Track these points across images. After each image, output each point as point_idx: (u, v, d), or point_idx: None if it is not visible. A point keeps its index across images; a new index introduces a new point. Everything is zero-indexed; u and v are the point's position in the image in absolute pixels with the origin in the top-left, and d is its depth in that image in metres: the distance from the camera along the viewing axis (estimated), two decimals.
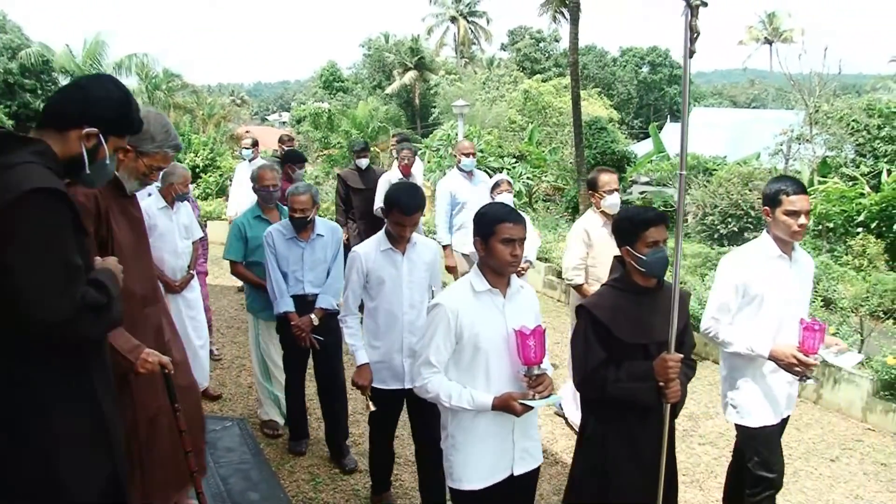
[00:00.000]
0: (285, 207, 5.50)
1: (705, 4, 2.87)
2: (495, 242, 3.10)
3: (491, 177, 7.49)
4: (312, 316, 5.09)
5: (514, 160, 18.09)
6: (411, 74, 50.26)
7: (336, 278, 5.27)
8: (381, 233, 4.24)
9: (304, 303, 5.15)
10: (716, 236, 13.50)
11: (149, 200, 5.38)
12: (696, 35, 2.92)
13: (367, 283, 4.23)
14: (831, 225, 12.01)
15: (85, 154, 2.38)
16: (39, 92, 30.72)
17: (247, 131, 31.81)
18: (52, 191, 2.13)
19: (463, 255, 7.41)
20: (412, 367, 3.98)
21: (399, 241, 4.15)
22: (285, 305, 5.09)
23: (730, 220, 13.41)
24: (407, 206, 3.98)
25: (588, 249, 5.53)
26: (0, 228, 2.06)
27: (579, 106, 17.81)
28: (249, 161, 9.42)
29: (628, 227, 3.31)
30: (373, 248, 4.21)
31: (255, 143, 9.82)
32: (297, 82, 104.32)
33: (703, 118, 39.44)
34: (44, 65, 29.15)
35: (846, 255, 10.95)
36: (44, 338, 2.14)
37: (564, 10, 18.89)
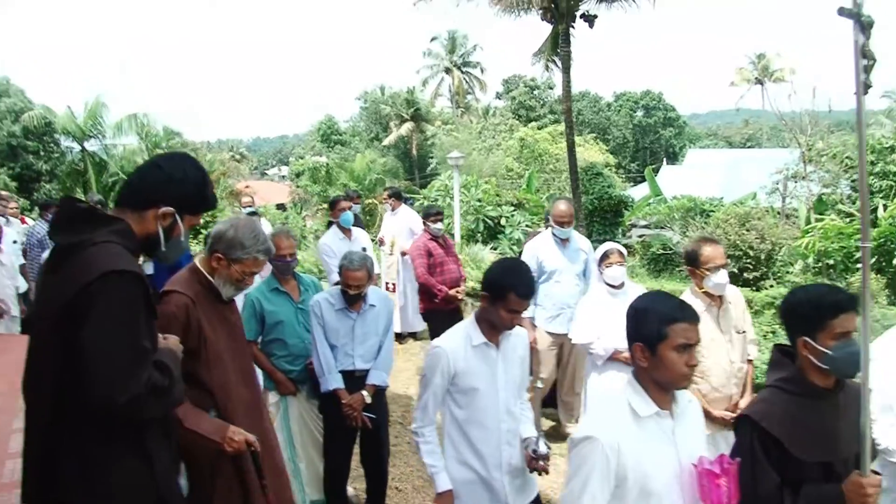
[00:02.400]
0: (305, 277, 5.21)
1: (872, 24, 2.23)
2: (666, 350, 2.39)
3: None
4: (364, 393, 4.66)
5: (512, 208, 18.19)
6: (408, 126, 50.68)
7: (388, 352, 4.89)
8: (470, 323, 3.48)
9: (353, 379, 4.70)
10: None
11: None
12: (871, 63, 2.26)
13: (454, 387, 3.43)
14: (831, 262, 12.05)
15: (161, 232, 2.47)
16: (42, 153, 31.07)
17: (246, 186, 32.06)
18: (128, 273, 2.21)
19: (548, 332, 6.37)
20: (512, 484, 3.44)
21: (497, 332, 3.42)
22: (335, 382, 4.63)
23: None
24: (528, 288, 3.30)
25: None
26: (77, 307, 2.15)
27: (574, 152, 17.98)
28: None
29: (810, 312, 2.61)
30: (461, 343, 3.42)
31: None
32: (295, 136, 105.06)
33: (698, 159, 39.83)
34: (46, 127, 29.46)
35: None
36: (107, 416, 2.18)
37: (556, 59, 19.09)
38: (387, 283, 9.73)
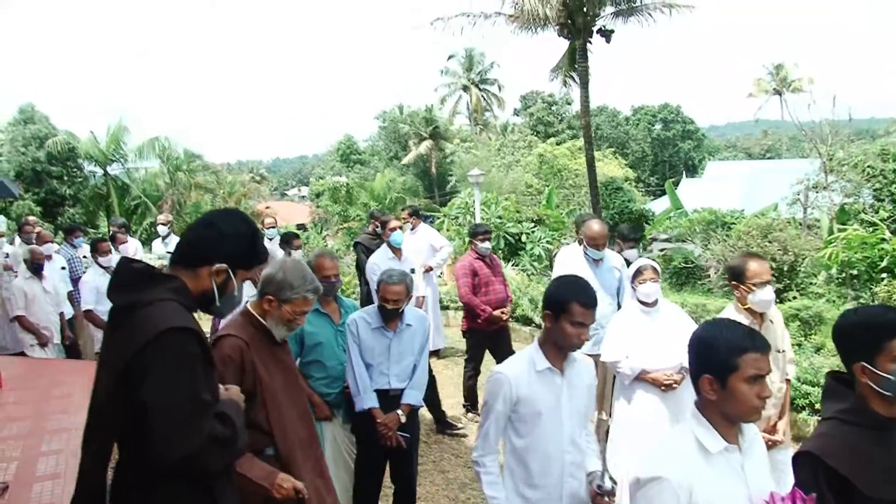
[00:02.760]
0: (346, 300, 5.14)
1: None
2: (737, 382, 2.25)
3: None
4: (399, 412, 4.62)
5: (532, 224, 18.22)
6: (426, 144, 50.79)
7: (423, 371, 4.85)
8: (534, 348, 3.29)
9: (387, 398, 4.66)
10: None
11: None
12: None
13: (515, 414, 3.24)
14: (855, 272, 11.97)
15: (215, 288, 2.52)
16: (66, 178, 31.47)
17: (267, 207, 32.34)
18: (186, 330, 2.28)
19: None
20: None
21: (562, 355, 3.25)
22: (370, 401, 4.57)
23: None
24: (591, 297, 3.13)
25: None
26: (137, 365, 2.21)
27: (594, 168, 18.03)
28: (269, 240, 9.58)
29: (865, 335, 2.44)
30: (524, 368, 3.24)
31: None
32: (315, 156, 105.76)
33: (718, 172, 39.67)
34: (69, 152, 29.80)
35: (872, 301, 10.86)
36: (170, 471, 2.23)
37: (574, 75, 19.16)
38: None
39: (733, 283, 4.39)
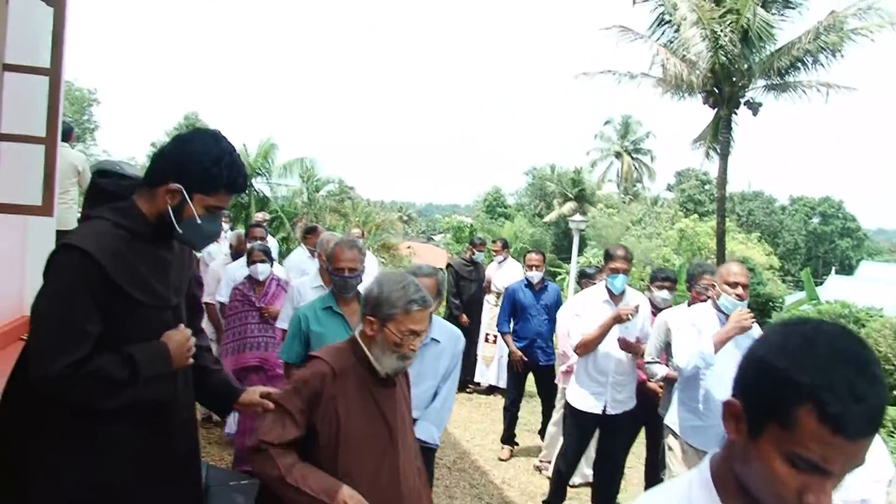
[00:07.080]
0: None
1: None
2: None
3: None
4: None
5: None
6: (570, 205, 50.44)
7: (444, 401, 4.05)
8: (699, 488, 1.35)
9: None
10: None
11: (304, 280, 5.14)
12: None
13: None
14: None
15: (171, 211, 2.32)
16: None
17: (408, 246, 32.68)
18: (78, 250, 2.14)
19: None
20: None
21: None
22: None
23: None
24: (851, 400, 1.08)
25: None
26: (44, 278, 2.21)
27: (724, 242, 17.33)
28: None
29: None
30: None
31: None
32: (466, 207, 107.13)
33: (872, 273, 37.21)
34: None
35: None
36: (39, 389, 2.13)
37: (717, 146, 18.50)
38: (486, 335, 9.48)
39: None
